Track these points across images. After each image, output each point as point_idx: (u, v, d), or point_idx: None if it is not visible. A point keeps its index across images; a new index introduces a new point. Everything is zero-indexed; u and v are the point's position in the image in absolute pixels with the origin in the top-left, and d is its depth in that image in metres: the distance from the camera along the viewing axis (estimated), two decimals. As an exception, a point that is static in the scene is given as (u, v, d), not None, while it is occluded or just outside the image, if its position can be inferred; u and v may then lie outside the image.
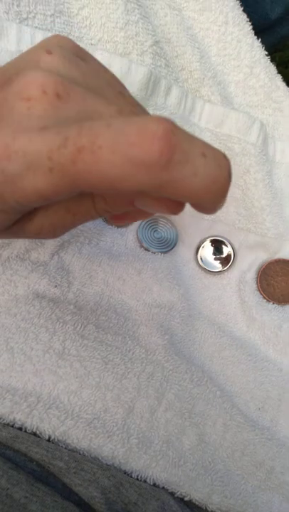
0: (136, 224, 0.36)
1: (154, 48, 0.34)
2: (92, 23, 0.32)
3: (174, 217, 0.37)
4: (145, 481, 0.26)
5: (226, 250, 0.39)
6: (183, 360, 0.31)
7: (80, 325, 0.29)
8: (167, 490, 0.27)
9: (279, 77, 0.39)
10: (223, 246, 0.39)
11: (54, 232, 0.21)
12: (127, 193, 0.17)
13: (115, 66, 0.32)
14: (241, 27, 0.38)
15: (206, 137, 0.36)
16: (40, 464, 0.23)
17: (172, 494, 0.27)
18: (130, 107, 0.19)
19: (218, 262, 0.38)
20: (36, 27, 0.31)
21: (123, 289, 0.33)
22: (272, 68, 0.39)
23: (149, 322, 0.32)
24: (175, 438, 0.28)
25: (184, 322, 0.34)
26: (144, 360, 0.30)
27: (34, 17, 0.30)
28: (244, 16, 0.39)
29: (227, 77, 0.38)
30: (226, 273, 0.38)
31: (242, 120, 0.36)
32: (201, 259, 0.38)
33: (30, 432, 0.25)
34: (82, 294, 0.32)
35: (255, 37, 0.39)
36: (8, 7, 0.29)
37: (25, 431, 0.25)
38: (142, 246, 0.36)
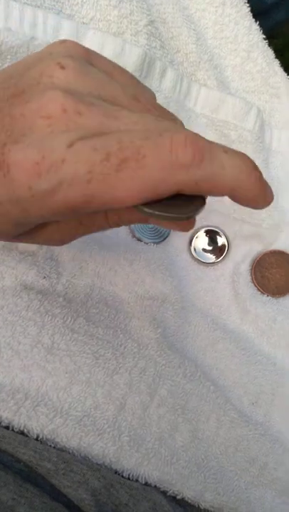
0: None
1: (149, 28, 0.32)
2: (85, 1, 0.30)
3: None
4: (137, 480, 0.25)
5: (220, 241, 0.37)
6: (176, 355, 0.30)
7: (69, 318, 0.28)
8: (159, 489, 0.26)
9: (277, 62, 0.38)
10: (218, 236, 0.37)
11: (62, 241, 0.22)
12: (166, 195, 0.17)
13: (108, 46, 0.30)
14: (239, 8, 0.36)
15: (202, 123, 0.35)
16: (27, 465, 0.22)
17: (164, 493, 0.26)
18: (145, 117, 0.18)
19: (212, 253, 0.37)
20: (25, 3, 0.29)
21: (115, 280, 0.32)
22: (269, 53, 0.37)
23: (141, 315, 0.31)
24: (168, 435, 0.27)
25: (176, 315, 0.33)
26: (136, 354, 0.28)
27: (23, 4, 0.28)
28: None
29: (224, 61, 0.36)
30: (219, 264, 0.37)
31: (239, 106, 0.34)
32: (195, 249, 0.37)
33: (17, 430, 0.24)
34: (72, 286, 0.30)
35: (253, 20, 0.37)
36: None
37: (13, 429, 0.24)
38: (134, 236, 0.35)
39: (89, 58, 0.20)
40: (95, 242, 0.32)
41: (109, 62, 0.21)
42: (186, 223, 0.20)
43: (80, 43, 0.30)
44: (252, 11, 0.38)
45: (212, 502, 0.27)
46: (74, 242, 0.32)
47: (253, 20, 0.37)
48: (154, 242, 0.35)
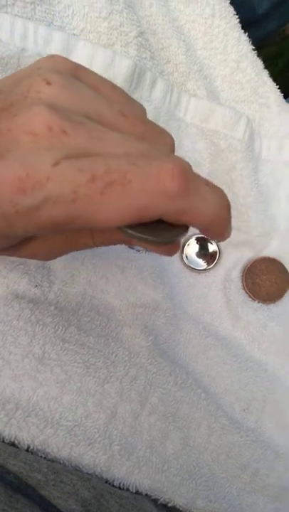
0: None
1: (139, 39, 0.32)
2: (75, 12, 0.30)
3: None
4: (128, 489, 0.25)
5: (211, 248, 0.37)
6: (167, 362, 0.30)
7: (60, 327, 0.28)
8: (150, 497, 0.26)
9: (266, 72, 0.38)
10: (209, 244, 0.37)
11: (48, 257, 0.22)
12: (149, 220, 0.17)
13: (98, 57, 0.30)
14: (228, 20, 0.36)
15: (192, 133, 0.34)
16: (17, 477, 0.21)
17: (155, 501, 0.26)
18: (129, 140, 0.18)
19: (204, 260, 0.37)
20: (16, 15, 0.28)
21: (106, 288, 0.32)
22: (258, 63, 0.37)
23: (133, 323, 0.30)
24: (159, 443, 0.27)
25: (168, 322, 0.32)
26: (127, 363, 0.28)
27: (14, 4, 0.28)
28: (231, 9, 0.37)
29: (213, 71, 0.36)
30: (211, 271, 0.37)
31: (228, 115, 0.34)
32: (186, 256, 0.37)
33: (8, 441, 0.24)
34: (64, 294, 0.30)
35: (242, 31, 0.37)
36: None
37: (3, 441, 0.24)
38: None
39: (77, 74, 0.20)
40: (87, 250, 0.32)
41: (98, 77, 0.21)
42: (170, 247, 0.21)
43: (71, 54, 0.30)
44: (243, 21, 0.37)
45: (204, 509, 0.27)
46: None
47: (242, 31, 0.37)
48: (145, 250, 0.35)
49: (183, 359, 0.32)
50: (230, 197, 0.36)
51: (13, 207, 0.16)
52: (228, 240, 0.36)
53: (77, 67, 0.20)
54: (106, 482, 0.24)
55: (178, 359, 0.31)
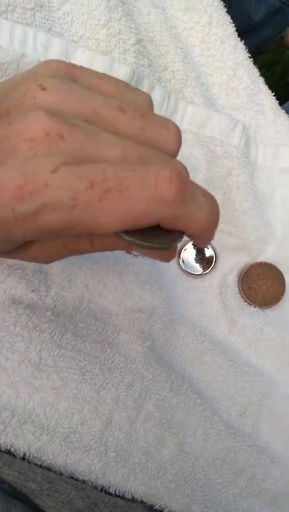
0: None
1: (137, 46, 0.31)
2: (74, 19, 0.30)
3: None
4: (123, 497, 0.24)
5: (208, 253, 0.36)
6: (163, 368, 0.29)
7: (57, 333, 0.27)
8: (146, 503, 0.25)
9: (261, 79, 0.37)
10: (205, 249, 0.37)
11: (46, 261, 0.21)
12: (146, 225, 0.17)
13: (97, 64, 0.29)
14: (225, 28, 0.36)
15: (189, 139, 0.34)
16: (12, 486, 0.21)
17: (151, 507, 0.25)
18: (126, 141, 0.18)
19: (200, 264, 0.36)
20: (16, 21, 0.28)
21: (104, 292, 0.31)
22: (254, 71, 0.37)
23: (129, 328, 0.30)
24: (154, 449, 0.26)
25: (165, 327, 0.32)
26: (123, 369, 0.27)
27: (14, 10, 0.28)
28: (228, 17, 0.36)
29: (210, 78, 0.36)
30: (207, 276, 0.36)
31: (224, 122, 0.33)
32: (183, 261, 0.36)
33: (4, 449, 0.23)
34: (61, 299, 0.29)
35: (239, 38, 0.37)
36: None
37: (0, 449, 0.23)
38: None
39: (73, 75, 0.19)
40: (84, 255, 0.31)
41: (94, 73, 0.20)
42: (167, 253, 0.21)
43: (70, 60, 0.29)
44: (240, 28, 0.37)
45: (199, 515, 0.26)
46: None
47: (239, 39, 0.36)
48: (143, 255, 0.34)
49: (179, 364, 0.31)
50: (226, 203, 0.36)
51: (12, 213, 0.16)
52: (224, 244, 0.36)
53: (73, 68, 0.20)
54: (101, 490, 0.24)
55: (174, 364, 0.31)
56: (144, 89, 0.31)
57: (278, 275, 0.36)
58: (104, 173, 0.16)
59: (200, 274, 0.36)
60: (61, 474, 0.23)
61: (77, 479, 0.23)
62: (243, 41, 0.37)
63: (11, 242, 0.19)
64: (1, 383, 0.25)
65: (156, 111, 0.32)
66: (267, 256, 0.36)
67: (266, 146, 0.37)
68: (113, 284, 0.31)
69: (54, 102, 0.18)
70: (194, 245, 0.36)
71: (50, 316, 0.28)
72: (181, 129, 0.33)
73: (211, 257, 0.36)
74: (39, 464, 0.23)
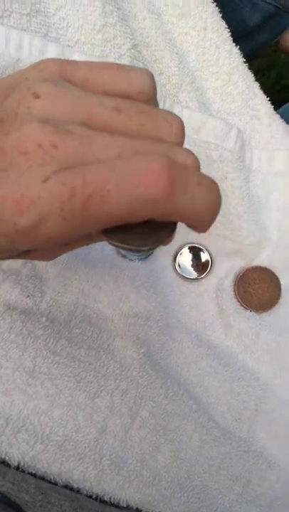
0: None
1: (132, 51, 0.31)
2: (70, 24, 0.29)
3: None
4: (118, 505, 0.24)
5: (204, 257, 0.36)
6: (158, 374, 0.28)
7: (52, 340, 0.26)
8: (141, 511, 0.24)
9: (256, 84, 0.37)
10: (201, 253, 0.36)
11: (48, 258, 0.21)
12: (136, 222, 0.16)
13: None
14: (220, 33, 0.35)
15: (184, 143, 0.33)
16: (5, 496, 0.20)
17: (146, 515, 0.25)
18: (119, 140, 0.17)
19: (196, 269, 0.36)
20: (11, 26, 0.27)
21: (99, 297, 0.30)
22: (249, 75, 0.36)
23: (125, 334, 0.29)
24: (149, 456, 0.26)
25: (161, 332, 0.31)
26: (118, 376, 0.27)
27: (10, 15, 0.27)
28: (223, 23, 0.36)
29: (205, 83, 0.35)
30: (203, 280, 0.35)
31: (219, 127, 0.33)
32: (179, 266, 0.35)
33: None
34: (56, 304, 0.29)
35: (234, 44, 0.36)
36: None
37: None
38: (119, 253, 0.33)
39: (64, 74, 0.18)
40: (79, 259, 0.31)
41: (87, 67, 0.19)
42: (167, 240, 0.19)
43: None
44: (235, 33, 0.36)
45: (195, 522, 0.26)
46: (59, 259, 0.30)
47: (234, 44, 0.36)
48: (138, 259, 0.34)
49: (175, 369, 0.30)
50: (221, 207, 0.35)
51: (13, 227, 0.16)
52: (220, 249, 0.36)
53: (64, 66, 0.19)
54: (96, 498, 0.23)
55: (170, 370, 0.30)
56: None
57: (274, 279, 0.35)
58: (85, 178, 0.15)
59: (196, 279, 0.35)
60: (56, 483, 0.23)
61: (71, 488, 0.23)
62: (238, 46, 0.36)
63: (16, 252, 0.18)
64: (-5, 391, 0.24)
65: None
66: (262, 260, 0.36)
67: (261, 151, 0.36)
68: (108, 289, 0.31)
69: (48, 110, 0.17)
70: (190, 249, 0.36)
71: (44, 322, 0.27)
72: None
73: (207, 262, 0.36)
74: (33, 472, 0.23)
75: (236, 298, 0.35)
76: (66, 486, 0.23)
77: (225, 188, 0.34)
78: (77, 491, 0.23)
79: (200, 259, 0.36)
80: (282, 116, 0.38)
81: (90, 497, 0.23)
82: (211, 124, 0.33)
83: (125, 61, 0.31)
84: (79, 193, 0.15)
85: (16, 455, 0.23)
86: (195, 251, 0.36)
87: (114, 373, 0.27)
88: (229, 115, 0.35)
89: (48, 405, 0.24)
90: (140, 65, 0.31)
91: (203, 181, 0.17)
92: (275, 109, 0.37)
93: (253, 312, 0.35)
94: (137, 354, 0.28)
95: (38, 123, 0.16)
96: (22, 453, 0.23)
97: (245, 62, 0.36)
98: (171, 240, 0.20)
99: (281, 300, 0.35)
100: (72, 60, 0.19)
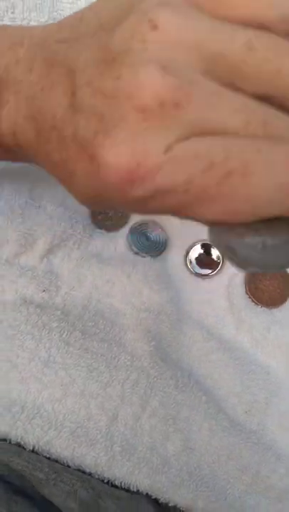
0: (126, 228, 0.34)
1: None
2: None
3: (164, 221, 0.35)
4: (128, 489, 0.25)
5: (215, 254, 0.36)
6: (169, 366, 0.29)
7: (66, 332, 0.28)
8: (150, 496, 0.25)
9: None
10: (212, 250, 0.37)
11: None
12: (265, 218, 0.14)
13: None
14: None
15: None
16: (20, 475, 0.21)
17: (156, 501, 0.26)
18: (250, 106, 0.14)
19: (208, 265, 0.36)
20: None
21: (112, 292, 0.31)
22: None
23: (136, 327, 0.30)
24: (159, 444, 0.27)
25: (172, 326, 0.32)
26: (129, 367, 0.28)
27: (28, 24, 0.28)
28: None
29: None
30: (215, 276, 0.36)
31: None
32: (191, 262, 0.36)
33: (14, 443, 0.24)
34: (70, 298, 0.30)
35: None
36: (2, 13, 0.27)
37: (10, 442, 0.24)
38: (131, 250, 0.34)
39: None
40: (93, 256, 0.32)
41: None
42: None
43: None
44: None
45: (205, 509, 0.27)
46: (73, 256, 0.32)
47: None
48: (151, 256, 0.35)
49: (186, 362, 0.31)
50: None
51: (121, 197, 0.14)
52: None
53: None
54: (107, 482, 0.24)
55: (181, 362, 0.31)
56: None
57: (284, 275, 0.36)
58: (226, 152, 0.13)
59: (207, 275, 0.36)
60: (68, 466, 0.24)
61: (83, 471, 0.24)
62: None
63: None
64: (12, 379, 0.26)
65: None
66: (274, 256, 0.36)
67: None
68: (121, 284, 0.32)
69: (167, 48, 0.14)
70: (202, 246, 0.37)
71: (59, 315, 0.28)
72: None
73: (219, 258, 0.36)
74: (47, 456, 0.24)
75: (247, 294, 0.36)
76: (78, 470, 0.24)
77: None
78: (89, 474, 0.24)
79: (211, 255, 0.36)
80: None
81: (102, 481, 0.24)
82: None
83: None
84: (217, 168, 0.13)
85: (30, 440, 0.24)
86: (207, 248, 0.37)
87: (125, 364, 0.28)
88: None
89: (62, 393, 0.26)
90: None
91: None
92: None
93: (264, 308, 0.35)
94: (148, 346, 0.29)
95: (157, 70, 0.13)
96: (36, 438, 0.24)
97: None
98: None
99: (292, 296, 0.36)
100: None
